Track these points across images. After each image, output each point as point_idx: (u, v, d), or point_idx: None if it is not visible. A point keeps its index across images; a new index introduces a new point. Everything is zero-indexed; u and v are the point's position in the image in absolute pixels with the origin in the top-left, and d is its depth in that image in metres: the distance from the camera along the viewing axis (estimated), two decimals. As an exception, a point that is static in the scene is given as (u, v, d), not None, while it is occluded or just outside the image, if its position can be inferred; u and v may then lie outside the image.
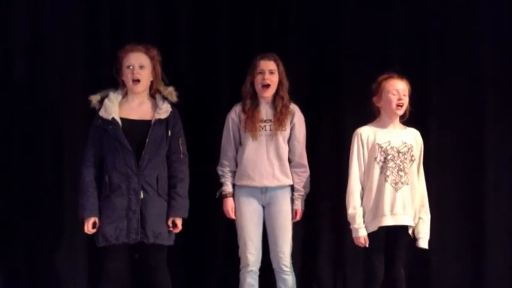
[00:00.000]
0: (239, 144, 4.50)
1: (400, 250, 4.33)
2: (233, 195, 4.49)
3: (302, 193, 4.49)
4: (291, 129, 4.48)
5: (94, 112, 4.25)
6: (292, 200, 4.48)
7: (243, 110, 4.48)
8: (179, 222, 4.22)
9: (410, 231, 4.33)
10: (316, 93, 4.99)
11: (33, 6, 4.87)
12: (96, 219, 4.15)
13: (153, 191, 4.16)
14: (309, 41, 5.01)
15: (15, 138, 4.83)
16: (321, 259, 4.97)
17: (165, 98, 4.29)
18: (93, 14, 4.92)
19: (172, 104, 4.30)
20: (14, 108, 4.82)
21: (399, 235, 4.31)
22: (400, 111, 4.34)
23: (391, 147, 4.31)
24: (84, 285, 4.83)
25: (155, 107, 4.26)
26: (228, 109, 4.57)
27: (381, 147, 4.31)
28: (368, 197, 4.31)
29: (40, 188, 4.82)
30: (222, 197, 4.49)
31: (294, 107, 4.51)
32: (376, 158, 4.31)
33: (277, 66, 4.45)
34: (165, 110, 4.23)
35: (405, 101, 4.33)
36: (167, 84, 4.34)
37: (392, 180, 4.28)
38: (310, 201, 4.60)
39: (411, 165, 4.33)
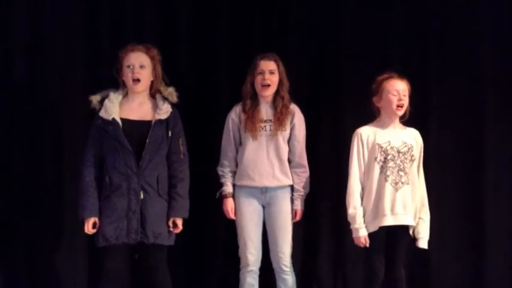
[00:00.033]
0: (239, 145, 4.50)
1: (400, 250, 4.33)
2: (233, 196, 4.50)
3: (302, 193, 4.49)
4: (291, 130, 4.48)
5: (94, 112, 4.24)
6: (292, 200, 4.48)
7: (243, 110, 4.48)
8: (179, 222, 4.22)
9: (411, 231, 4.33)
10: (316, 93, 4.99)
11: (33, 6, 4.87)
12: (96, 220, 4.15)
13: (153, 191, 4.16)
14: (309, 41, 5.01)
15: (15, 138, 4.83)
16: (321, 259, 4.97)
17: (165, 99, 4.29)
18: (93, 14, 4.92)
19: (173, 104, 4.30)
20: (14, 108, 4.82)
21: (400, 235, 4.31)
22: (401, 112, 4.34)
23: (391, 147, 4.31)
24: (84, 285, 4.83)
25: (155, 107, 4.26)
26: (228, 109, 4.57)
27: (381, 147, 4.31)
28: (368, 197, 4.31)
29: (40, 188, 4.82)
30: (222, 197, 4.49)
31: (294, 107, 4.51)
32: (376, 158, 4.31)
33: (277, 66, 4.45)
34: (165, 111, 4.23)
35: (405, 101, 4.33)
36: (168, 85, 4.33)
37: (393, 180, 4.28)
38: (310, 201, 4.60)
39: (411, 165, 4.33)
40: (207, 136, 4.77)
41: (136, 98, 4.28)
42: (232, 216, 4.49)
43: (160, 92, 4.32)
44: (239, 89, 4.52)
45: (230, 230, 4.57)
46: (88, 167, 4.18)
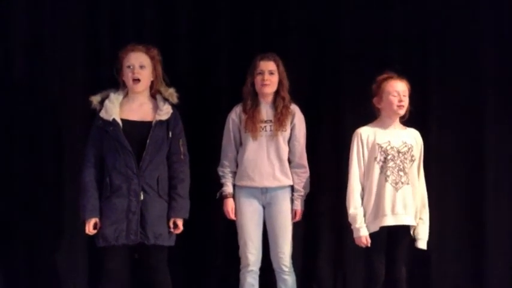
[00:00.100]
0: (239, 145, 4.50)
1: (401, 250, 4.33)
2: (233, 196, 4.50)
3: (302, 193, 4.49)
4: (291, 130, 4.48)
5: (94, 112, 4.24)
6: (292, 200, 4.49)
7: (244, 111, 4.48)
8: (180, 223, 4.22)
9: (411, 231, 4.33)
10: (316, 93, 4.99)
11: (33, 6, 4.87)
12: (97, 220, 4.15)
13: (154, 192, 4.16)
14: (309, 41, 5.01)
15: (15, 138, 4.83)
16: (321, 259, 4.98)
17: (165, 99, 4.29)
18: (93, 14, 4.92)
19: (173, 105, 4.29)
20: (14, 108, 4.82)
21: (400, 235, 4.31)
22: (402, 111, 4.33)
23: (391, 147, 4.31)
24: (84, 285, 4.83)
25: (156, 108, 4.26)
26: (228, 109, 4.57)
27: (381, 147, 4.31)
28: (368, 197, 4.31)
29: (40, 188, 4.82)
30: (223, 197, 4.49)
31: (295, 108, 4.51)
32: (376, 158, 4.31)
33: (277, 66, 4.45)
34: (165, 112, 4.23)
35: (406, 101, 4.33)
36: (168, 85, 4.33)
37: (393, 180, 4.28)
38: (310, 201, 4.60)
39: (411, 165, 4.33)
40: (207, 136, 4.77)
41: (137, 98, 4.28)
42: (232, 216, 4.49)
43: (160, 93, 4.32)
44: (239, 89, 4.52)
45: (230, 230, 4.57)
46: (88, 168, 4.18)
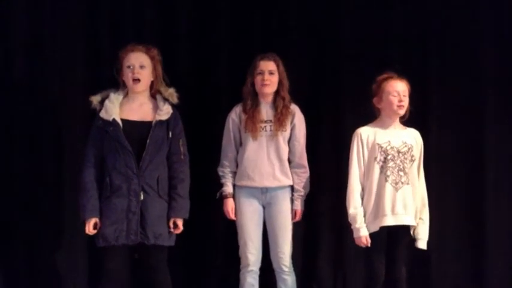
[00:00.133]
0: (239, 145, 4.50)
1: (401, 250, 4.33)
2: (233, 196, 4.50)
3: (302, 193, 4.49)
4: (291, 130, 4.48)
5: (94, 112, 4.24)
6: (292, 200, 4.49)
7: (244, 111, 4.48)
8: (180, 223, 4.22)
9: (411, 231, 4.33)
10: (316, 93, 4.99)
11: (33, 6, 4.87)
12: (97, 220, 4.15)
13: (154, 192, 4.16)
14: (309, 41, 5.01)
15: (15, 138, 4.83)
16: (321, 259, 4.98)
17: (165, 99, 4.29)
18: (93, 14, 4.92)
19: (173, 105, 4.29)
20: (14, 108, 4.83)
21: (400, 235, 4.31)
22: (402, 111, 4.33)
23: (391, 147, 4.31)
24: (84, 285, 4.83)
25: (156, 108, 4.26)
26: (228, 109, 4.57)
27: (381, 147, 4.31)
28: (368, 197, 4.31)
29: (40, 188, 4.82)
30: (223, 197, 4.49)
31: (295, 108, 4.51)
32: (376, 158, 4.31)
33: (277, 66, 4.45)
34: (165, 112, 4.23)
35: (406, 101, 4.33)
36: (168, 85, 4.33)
37: (393, 180, 4.28)
38: (310, 201, 4.60)
39: (411, 165, 4.33)
40: (207, 136, 4.77)
41: (137, 98, 4.28)
42: (232, 216, 4.49)
43: (160, 93, 4.31)
44: (239, 89, 4.52)
45: (230, 230, 4.57)
46: (88, 168, 4.18)
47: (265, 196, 4.46)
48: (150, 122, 4.20)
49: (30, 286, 4.83)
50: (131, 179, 4.12)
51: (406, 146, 4.33)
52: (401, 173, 4.30)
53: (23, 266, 4.83)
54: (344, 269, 4.98)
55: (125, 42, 4.46)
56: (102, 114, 4.19)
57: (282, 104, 4.45)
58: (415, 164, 4.35)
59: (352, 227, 4.32)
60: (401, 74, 4.39)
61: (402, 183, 4.29)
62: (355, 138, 4.37)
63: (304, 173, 4.51)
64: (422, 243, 4.34)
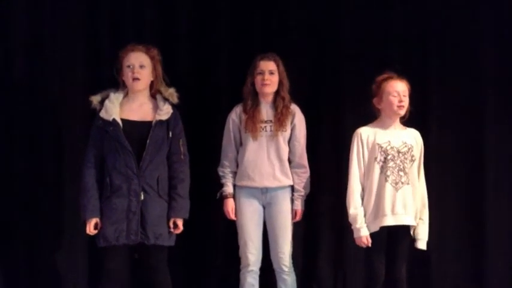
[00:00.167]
0: (240, 145, 4.50)
1: (401, 250, 4.33)
2: (234, 196, 4.50)
3: (302, 193, 4.49)
4: (292, 130, 4.48)
5: (94, 112, 4.24)
6: (292, 200, 4.49)
7: (244, 111, 4.48)
8: (180, 223, 4.22)
9: (411, 232, 4.33)
10: (316, 93, 4.99)
11: (33, 6, 4.87)
12: (98, 220, 4.15)
13: (154, 192, 4.16)
14: (309, 41, 5.01)
15: (15, 138, 4.83)
16: (321, 259, 4.98)
17: (165, 99, 4.29)
18: (93, 14, 4.92)
19: (173, 105, 4.29)
20: (14, 108, 4.83)
21: (401, 235, 4.31)
22: (402, 111, 4.33)
23: (391, 147, 4.31)
24: (84, 285, 4.83)
25: (156, 108, 4.26)
26: (228, 109, 4.57)
27: (381, 147, 4.31)
28: (368, 197, 4.31)
29: (40, 188, 4.82)
30: (223, 197, 4.49)
31: (295, 108, 4.51)
32: (376, 158, 4.31)
33: (277, 66, 4.45)
34: (166, 112, 4.23)
35: (406, 101, 4.33)
36: (168, 85, 4.33)
37: (393, 180, 4.28)
38: (310, 201, 4.60)
39: (411, 165, 4.33)
40: (207, 136, 4.77)
41: (137, 98, 4.28)
42: (232, 216, 4.49)
43: (160, 93, 4.31)
44: (239, 89, 4.52)
45: (230, 230, 4.57)
46: (89, 168, 4.18)
47: (265, 196, 4.46)
48: (150, 122, 4.19)
49: (30, 286, 4.83)
50: (131, 179, 4.12)
51: (406, 146, 4.33)
52: (402, 173, 4.30)
53: (23, 266, 4.83)
54: (344, 269, 4.98)
55: (125, 42, 4.46)
56: (102, 114, 4.19)
57: (282, 104, 4.45)
58: (415, 164, 4.35)
59: (352, 227, 4.31)
60: (401, 74, 4.38)
61: (402, 183, 4.29)
62: (355, 138, 4.37)
63: (305, 173, 4.51)
64: (422, 244, 4.34)
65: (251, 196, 4.46)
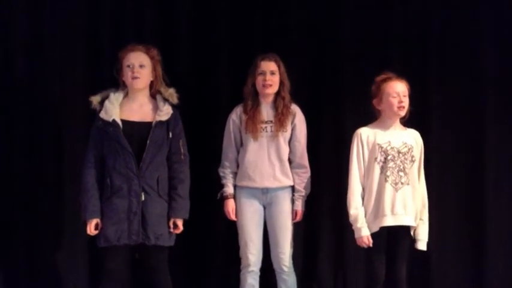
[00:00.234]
0: (240, 146, 4.50)
1: (401, 250, 4.33)
2: (234, 196, 4.49)
3: (303, 194, 4.49)
4: (292, 130, 4.48)
5: (94, 112, 4.24)
6: (293, 201, 4.48)
7: (244, 111, 4.48)
8: (180, 223, 4.22)
9: (412, 232, 4.33)
10: (316, 93, 4.99)
11: (33, 6, 4.87)
12: (99, 221, 4.15)
13: (154, 192, 4.16)
14: (309, 41, 5.01)
15: (15, 138, 4.83)
16: (322, 259, 4.98)
17: (165, 100, 4.29)
18: (93, 14, 4.92)
19: (173, 105, 4.29)
20: (14, 108, 4.82)
21: (401, 235, 4.31)
22: (403, 112, 4.32)
23: (391, 148, 4.31)
24: (84, 285, 4.83)
25: (156, 108, 4.25)
26: (228, 109, 4.57)
27: (381, 148, 4.31)
28: (369, 197, 4.31)
29: (40, 188, 4.82)
30: (223, 198, 4.49)
31: (295, 108, 4.51)
32: (376, 158, 4.31)
33: (278, 66, 4.45)
34: (166, 112, 4.23)
35: (406, 102, 4.33)
36: (168, 85, 4.33)
37: (393, 181, 4.28)
38: (310, 201, 4.60)
39: (411, 165, 4.33)
40: (207, 136, 4.77)
41: (137, 98, 4.27)
42: (233, 217, 4.49)
43: (160, 93, 4.31)
44: (239, 90, 4.52)
45: (230, 231, 4.57)
46: (89, 168, 4.18)
47: (265, 196, 4.46)
48: (150, 123, 4.19)
49: (30, 286, 4.83)
50: (131, 180, 4.12)
51: (406, 146, 4.33)
52: (402, 174, 4.30)
53: (23, 266, 4.83)
54: (344, 269, 4.98)
55: (125, 42, 4.46)
56: (102, 114, 4.19)
57: (283, 104, 4.45)
58: (415, 164, 4.35)
59: (353, 227, 4.31)
60: (400, 74, 4.38)
61: (402, 183, 4.29)
62: (355, 139, 4.36)
63: (305, 173, 4.50)
64: (422, 245, 4.34)
65: (251, 196, 4.46)
